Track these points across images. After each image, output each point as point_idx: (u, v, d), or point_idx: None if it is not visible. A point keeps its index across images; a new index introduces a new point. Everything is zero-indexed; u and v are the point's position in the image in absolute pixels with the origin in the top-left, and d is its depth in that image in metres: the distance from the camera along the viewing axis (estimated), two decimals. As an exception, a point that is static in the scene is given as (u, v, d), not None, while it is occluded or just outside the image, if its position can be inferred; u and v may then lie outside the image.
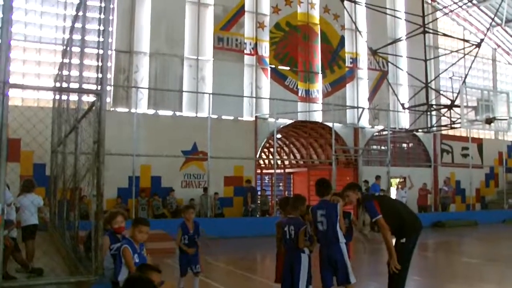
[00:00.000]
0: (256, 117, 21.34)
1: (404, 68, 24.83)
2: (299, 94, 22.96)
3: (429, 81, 21.98)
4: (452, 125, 22.31)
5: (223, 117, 20.56)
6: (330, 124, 21.06)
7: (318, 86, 23.53)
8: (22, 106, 16.28)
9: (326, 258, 6.06)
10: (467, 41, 23.89)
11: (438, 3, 27.78)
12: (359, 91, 24.83)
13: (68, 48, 11.35)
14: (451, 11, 26.99)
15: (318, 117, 23.33)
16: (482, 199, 28.12)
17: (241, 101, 21.24)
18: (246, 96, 21.47)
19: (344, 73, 24.48)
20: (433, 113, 24.04)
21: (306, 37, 23.48)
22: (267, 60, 22.37)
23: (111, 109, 18.68)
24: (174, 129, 19.14)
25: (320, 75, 23.62)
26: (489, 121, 19.71)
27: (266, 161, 24.69)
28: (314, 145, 24.44)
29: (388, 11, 23.99)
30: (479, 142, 28.31)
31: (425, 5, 23.15)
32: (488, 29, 25.27)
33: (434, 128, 24.87)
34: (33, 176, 14.95)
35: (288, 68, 22.87)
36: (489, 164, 28.33)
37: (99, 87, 6.41)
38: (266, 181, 25.83)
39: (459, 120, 20.74)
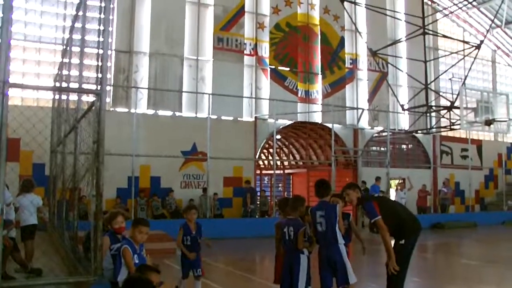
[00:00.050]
0: (255, 117, 21.33)
1: (404, 69, 24.86)
2: (299, 95, 22.97)
3: (428, 82, 22.00)
4: (452, 127, 22.33)
5: (223, 117, 20.55)
6: (329, 125, 21.06)
7: (317, 87, 23.53)
8: (21, 106, 16.28)
9: (325, 259, 6.05)
10: (467, 42, 23.92)
11: (438, 5, 27.80)
12: (358, 92, 24.83)
13: (68, 48, 11.33)
14: (451, 12, 27.02)
15: (317, 118, 23.34)
16: (482, 201, 28.13)
17: (241, 102, 21.25)
18: (245, 96, 21.47)
19: (344, 74, 24.49)
20: (433, 114, 24.07)
21: (306, 38, 23.49)
22: (267, 60, 22.38)
23: (111, 109, 18.67)
24: (173, 129, 19.13)
25: (320, 76, 23.62)
26: (488, 122, 19.73)
27: (266, 162, 24.68)
28: (313, 146, 24.44)
29: (388, 12, 24.01)
30: (478, 144, 28.31)
31: (425, 6, 23.20)
32: (488, 31, 25.28)
33: (434, 130, 24.89)
34: (33, 176, 14.94)
35: (288, 68, 22.87)
36: (488, 166, 28.34)
37: (98, 87, 6.40)
38: (266, 182, 25.81)
39: (458, 122, 20.76)
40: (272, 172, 20.02)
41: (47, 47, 18.67)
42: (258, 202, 20.90)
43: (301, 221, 6.31)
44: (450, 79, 23.54)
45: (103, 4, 6.62)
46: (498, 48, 31.32)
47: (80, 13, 8.89)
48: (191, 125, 19.46)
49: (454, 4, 26.01)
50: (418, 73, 22.41)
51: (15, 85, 6.30)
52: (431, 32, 23.33)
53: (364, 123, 24.25)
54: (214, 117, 19.25)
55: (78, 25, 9.44)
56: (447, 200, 23.55)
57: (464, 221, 21.97)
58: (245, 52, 21.99)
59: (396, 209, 6.37)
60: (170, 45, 20.42)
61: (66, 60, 11.68)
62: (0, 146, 5.42)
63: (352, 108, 23.97)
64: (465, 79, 22.35)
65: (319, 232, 6.14)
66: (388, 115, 23.07)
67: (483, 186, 28.32)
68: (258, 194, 21.48)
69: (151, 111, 19.67)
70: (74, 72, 9.51)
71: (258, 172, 22.85)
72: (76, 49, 9.75)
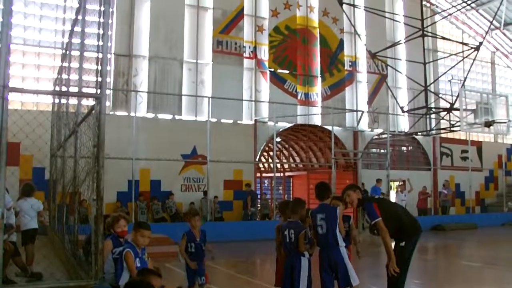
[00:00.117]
0: (255, 120, 21.35)
1: (403, 71, 24.88)
2: (298, 98, 22.98)
3: (428, 84, 21.99)
4: (452, 128, 22.32)
5: (223, 120, 20.58)
6: (329, 128, 21.06)
7: (317, 90, 23.55)
8: (21, 110, 16.26)
9: (326, 262, 6.05)
10: (466, 44, 23.93)
11: (437, 7, 27.84)
12: (358, 95, 24.85)
13: (68, 52, 11.34)
14: (450, 14, 27.06)
15: (317, 120, 23.35)
16: (482, 202, 28.13)
17: (241, 105, 21.26)
18: (245, 99, 21.50)
19: (343, 76, 24.51)
20: (433, 116, 24.08)
21: (305, 41, 23.51)
22: (266, 63, 22.40)
23: (111, 112, 18.67)
24: (173, 132, 19.13)
25: (319, 79, 23.65)
26: (488, 124, 19.72)
27: (266, 165, 24.69)
28: (313, 148, 24.45)
29: (387, 15, 24.02)
30: (478, 145, 28.32)
31: (424, 8, 23.20)
32: (487, 32, 25.32)
33: (434, 131, 24.89)
34: (33, 180, 14.95)
35: (287, 71, 22.89)
36: (488, 167, 28.34)
37: (98, 91, 6.39)
38: (266, 185, 25.82)
39: (458, 123, 20.75)
40: (272, 175, 20.02)
41: (46, 51, 18.70)
42: (259, 205, 20.90)
43: (301, 224, 6.31)
44: (449, 80, 23.53)
45: (102, 8, 6.63)
46: (497, 49, 31.36)
47: (80, 17, 8.90)
48: (191, 128, 19.46)
49: (453, 6, 26.03)
50: (417, 75, 22.41)
51: (15, 89, 6.30)
52: (430, 34, 23.34)
53: (364, 125, 24.28)
54: (214, 120, 19.27)
55: (77, 29, 9.44)
56: (447, 202, 23.54)
57: (465, 223, 21.96)
58: (244, 55, 22.02)
59: (397, 211, 6.37)
60: (170, 49, 20.44)
61: (65, 64, 11.67)
62: (0, 150, 5.42)
63: (352, 111, 23.98)
64: (464, 80, 22.35)
65: (319, 235, 6.14)
66: (387, 117, 23.08)
67: (483, 188, 28.32)
68: (259, 197, 21.48)
69: (151, 115, 19.69)
70: (74, 76, 9.51)
71: (258, 175, 22.86)
72: (75, 53, 9.76)
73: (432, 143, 26.39)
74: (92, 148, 6.33)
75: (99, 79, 6.48)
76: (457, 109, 20.34)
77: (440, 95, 24.05)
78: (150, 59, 20.08)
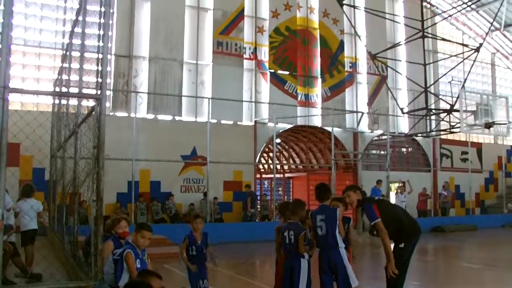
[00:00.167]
0: (255, 121, 21.35)
1: (403, 73, 24.88)
2: (298, 99, 22.98)
3: (428, 85, 21.99)
4: (452, 130, 22.31)
5: (223, 121, 20.58)
6: (329, 129, 21.06)
7: (317, 91, 23.55)
8: (21, 111, 16.24)
9: (326, 263, 6.05)
10: (466, 45, 23.93)
11: (437, 8, 27.85)
12: (358, 96, 24.86)
13: (68, 53, 11.36)
14: (450, 15, 27.07)
15: (317, 121, 23.35)
16: (482, 204, 28.12)
17: (241, 106, 21.26)
18: (245, 100, 21.50)
19: (344, 77, 24.51)
20: (433, 117, 24.07)
21: (305, 42, 23.52)
22: (267, 64, 22.40)
23: (111, 113, 18.66)
24: (173, 133, 19.13)
25: (319, 80, 23.64)
26: (488, 125, 19.71)
27: (266, 166, 24.69)
28: (313, 149, 24.45)
29: (387, 16, 24.03)
30: (478, 147, 28.33)
31: (424, 9, 23.18)
32: (487, 34, 25.34)
33: (434, 133, 24.88)
34: (33, 180, 14.95)
35: (287, 72, 22.89)
36: (488, 169, 28.34)
37: (98, 92, 6.40)
38: (266, 186, 25.82)
39: (458, 125, 20.73)
40: (272, 176, 20.01)
41: (47, 52, 18.70)
42: (259, 206, 20.89)
43: (301, 225, 6.31)
44: (449, 82, 23.54)
45: (102, 9, 6.64)
46: (497, 51, 31.37)
47: (80, 18, 8.92)
48: (191, 129, 19.47)
49: (453, 7, 26.04)
50: (417, 76, 22.40)
51: (15, 90, 6.31)
52: (430, 35, 23.34)
53: (364, 126, 24.28)
54: (214, 121, 19.27)
55: (78, 30, 9.46)
56: (447, 203, 23.52)
57: (465, 224, 21.96)
58: (244, 56, 22.02)
59: (396, 212, 6.36)
60: (170, 50, 20.44)
61: (66, 65, 11.70)
62: (1, 151, 5.43)
63: (352, 112, 23.98)
64: (464, 82, 22.35)
65: (319, 236, 6.14)
66: (387, 118, 23.09)
67: (483, 189, 28.31)
68: (259, 198, 21.48)
69: (151, 116, 19.69)
70: (74, 77, 9.52)
71: (258, 176, 22.85)
72: (76, 54, 9.77)
73: (432, 145, 26.39)
74: (92, 149, 6.34)
75: (99, 80, 6.49)
76: (457, 111, 20.34)
77: (440, 97, 24.04)
78: (150, 60, 20.08)
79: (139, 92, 19.36)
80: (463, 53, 23.15)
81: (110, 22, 15.25)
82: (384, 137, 23.52)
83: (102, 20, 6.67)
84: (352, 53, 24.95)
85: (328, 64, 24.04)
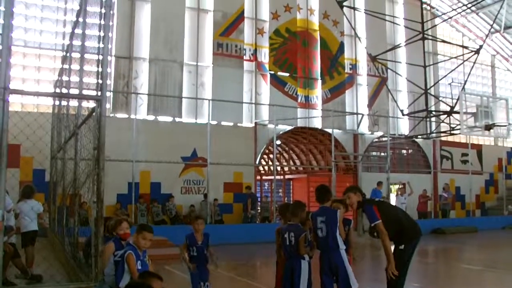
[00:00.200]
0: (255, 123, 21.35)
1: (404, 74, 24.88)
2: (299, 100, 22.98)
3: (428, 87, 22.00)
4: (452, 131, 22.31)
5: (223, 123, 20.58)
6: (329, 130, 21.07)
7: (317, 92, 23.55)
8: (22, 112, 16.27)
9: (326, 264, 6.04)
10: (466, 47, 23.94)
11: (437, 10, 27.87)
12: (358, 97, 24.86)
13: (68, 54, 11.36)
14: (450, 17, 27.08)
15: (317, 123, 23.34)
16: (482, 206, 28.11)
17: (241, 107, 21.25)
18: (245, 102, 21.49)
19: (344, 79, 24.52)
20: (433, 119, 24.06)
21: (305, 43, 23.53)
22: (267, 66, 22.40)
23: (111, 115, 18.66)
24: (173, 135, 19.13)
25: (319, 81, 23.65)
26: (488, 127, 19.71)
27: (266, 168, 24.68)
28: (313, 151, 24.45)
29: (387, 18, 24.05)
30: (478, 149, 28.34)
31: (424, 11, 23.22)
32: (487, 36, 25.36)
33: (434, 134, 24.88)
34: (33, 181, 14.93)
35: (287, 74, 22.90)
36: (488, 171, 28.34)
37: (99, 93, 6.40)
38: (266, 188, 25.81)
39: (458, 127, 20.74)
40: (272, 177, 20.00)
41: (47, 53, 18.72)
42: (259, 208, 20.88)
43: (301, 227, 6.30)
44: (449, 83, 23.54)
45: (103, 11, 6.64)
46: (497, 53, 31.40)
47: (80, 19, 8.92)
48: (191, 130, 19.46)
49: (453, 9, 26.06)
50: (417, 78, 22.42)
51: (15, 91, 6.31)
52: (430, 37, 23.35)
53: (364, 128, 24.27)
54: (214, 122, 19.26)
55: (78, 31, 9.46)
56: (447, 205, 23.51)
57: (465, 226, 21.92)
58: (244, 57, 22.02)
59: (397, 214, 6.36)
60: (170, 51, 20.45)
61: (66, 66, 11.70)
62: (1, 152, 5.43)
63: (352, 113, 23.99)
64: (464, 83, 22.36)
65: (320, 238, 6.13)
66: (388, 120, 23.08)
67: (483, 191, 28.31)
68: (259, 200, 21.47)
69: (151, 117, 19.69)
70: (74, 78, 9.52)
71: (258, 177, 22.84)
72: (76, 55, 9.78)
73: (432, 146, 26.39)
74: (92, 150, 6.34)
75: (100, 81, 6.49)
76: (457, 112, 20.34)
77: (440, 98, 24.05)
78: (150, 61, 20.08)
79: (139, 94, 19.37)
80: (463, 55, 23.14)
81: (111, 23, 15.29)
82: (384, 138, 23.54)
83: (103, 22, 6.67)
84: (352, 54, 24.96)
85: (328, 65, 24.05)
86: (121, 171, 16.84)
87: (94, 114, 6.45)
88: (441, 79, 24.94)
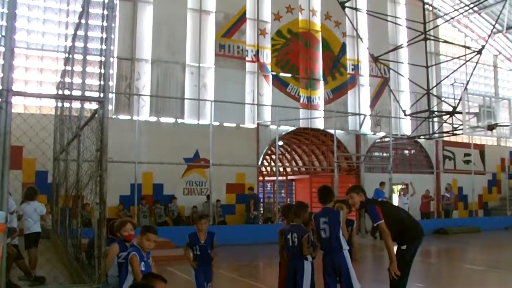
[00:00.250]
0: (258, 124, 21.34)
1: (406, 75, 24.86)
2: (301, 101, 22.98)
3: (430, 87, 21.98)
4: (454, 132, 22.29)
5: (225, 124, 20.57)
6: (332, 131, 21.05)
7: (319, 93, 23.55)
8: (24, 114, 16.27)
9: (330, 265, 6.05)
10: (468, 47, 23.91)
11: (439, 10, 27.85)
12: (360, 98, 24.84)
13: (71, 56, 11.38)
14: (452, 18, 27.05)
15: (320, 124, 23.34)
16: (485, 206, 28.06)
17: (243, 108, 21.27)
18: (247, 103, 21.50)
19: (346, 80, 24.51)
20: (435, 119, 24.05)
21: (307, 44, 23.53)
22: (269, 67, 22.41)
23: (113, 116, 18.67)
24: (176, 136, 19.13)
25: (321, 82, 23.65)
26: (491, 127, 19.68)
27: (268, 168, 24.68)
28: (316, 152, 24.44)
29: (389, 18, 24.03)
30: (481, 149, 28.28)
31: (426, 12, 23.21)
32: (489, 36, 25.26)
33: (436, 135, 24.86)
34: (35, 183, 14.94)
35: (289, 75, 22.91)
36: (491, 171, 28.29)
37: (101, 95, 6.41)
38: (268, 188, 25.81)
39: (461, 127, 20.72)
40: (274, 178, 19.99)
41: (49, 55, 18.74)
42: (262, 209, 20.87)
43: (304, 228, 6.30)
44: (452, 84, 23.53)
45: (105, 12, 6.65)
46: (500, 53, 31.35)
47: (83, 21, 8.94)
48: (193, 132, 19.46)
49: (455, 10, 26.03)
50: (419, 79, 22.40)
51: (18, 93, 6.32)
52: (432, 38, 23.33)
53: (366, 128, 24.26)
54: (216, 123, 19.24)
55: (80, 33, 9.48)
56: (450, 205, 23.48)
57: (468, 226, 21.89)
58: (246, 58, 22.03)
59: (399, 214, 6.36)
60: (172, 52, 20.47)
61: (68, 68, 11.72)
62: (4, 154, 5.43)
63: (354, 114, 23.97)
64: (467, 84, 22.31)
65: (323, 239, 6.14)
66: (390, 121, 23.06)
67: (486, 191, 28.26)
68: (262, 200, 21.46)
69: (153, 118, 19.70)
70: (77, 80, 9.54)
71: (260, 178, 22.84)
72: (78, 56, 9.80)
73: (434, 147, 26.36)
74: (95, 152, 6.34)
75: (102, 82, 6.49)
76: (460, 113, 20.32)
77: (443, 99, 24.05)
78: (152, 62, 20.11)
79: (142, 95, 19.39)
80: (465, 55, 23.12)
81: (113, 25, 15.29)
82: (386, 139, 23.52)
83: (105, 23, 6.68)
84: (354, 55, 24.96)
85: (330, 66, 24.05)
86: (124, 172, 16.84)
87: (96, 115, 6.46)
88: (443, 79, 24.93)
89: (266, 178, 24.64)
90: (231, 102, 19.94)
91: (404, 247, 6.02)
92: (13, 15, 5.85)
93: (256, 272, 12.35)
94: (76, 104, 9.81)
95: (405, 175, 23.77)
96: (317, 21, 24.05)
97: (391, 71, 24.38)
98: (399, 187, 22.55)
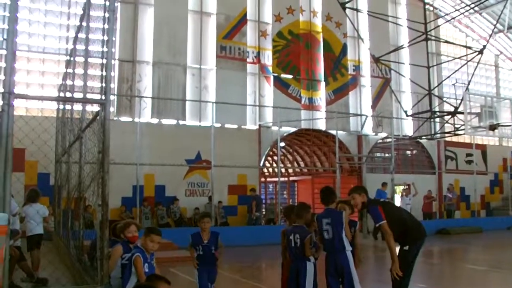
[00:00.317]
0: (259, 125, 21.36)
1: (407, 75, 24.85)
2: (302, 102, 22.99)
3: (432, 88, 21.97)
4: (456, 132, 22.27)
5: (227, 125, 20.58)
6: (333, 132, 21.05)
7: (321, 94, 23.55)
8: (26, 116, 16.24)
9: (332, 266, 6.05)
10: (469, 47, 23.89)
11: (440, 10, 27.84)
12: (362, 99, 24.84)
13: (72, 58, 11.40)
14: (453, 18, 27.04)
15: (321, 125, 23.34)
16: (487, 206, 28.03)
17: (244, 110, 21.28)
18: (249, 104, 21.51)
19: (347, 80, 24.51)
20: (437, 120, 24.04)
21: (308, 45, 23.54)
22: (270, 68, 22.42)
23: (115, 118, 18.72)
24: (177, 138, 19.15)
25: (323, 83, 23.65)
26: (492, 127, 19.65)
27: (270, 169, 24.69)
28: (317, 153, 24.44)
29: (390, 19, 24.04)
30: (483, 149, 28.26)
31: (427, 12, 23.21)
32: (490, 36, 25.24)
33: (438, 135, 24.85)
34: (38, 185, 14.97)
35: (291, 76, 22.91)
36: (493, 171, 28.26)
37: (103, 97, 6.42)
38: (270, 189, 25.81)
39: (462, 127, 20.69)
40: (276, 179, 20.00)
41: (51, 57, 18.79)
42: (263, 210, 20.87)
43: (306, 229, 6.31)
44: (453, 84, 23.49)
45: (106, 15, 6.67)
46: (501, 53, 31.33)
47: (84, 23, 8.95)
48: (195, 133, 19.48)
49: (456, 10, 26.03)
50: (421, 79, 22.39)
51: (20, 96, 6.33)
52: (433, 38, 23.33)
53: (368, 129, 24.25)
54: (218, 125, 19.25)
55: (82, 35, 9.49)
56: (452, 206, 23.46)
57: (470, 227, 21.85)
58: (248, 60, 22.05)
59: (401, 214, 6.36)
60: (173, 54, 20.49)
61: (70, 70, 11.74)
62: (6, 156, 5.44)
63: (356, 115, 23.96)
64: (468, 84, 22.30)
65: (326, 240, 6.15)
66: (392, 121, 23.06)
67: (488, 191, 28.22)
68: (264, 201, 21.46)
69: (155, 120, 19.73)
70: (78, 82, 9.56)
71: (262, 179, 22.84)
72: (80, 59, 9.81)
73: (436, 147, 26.34)
74: (97, 154, 6.35)
75: (104, 85, 6.51)
76: (462, 113, 20.30)
77: (444, 99, 24.03)
78: (153, 64, 20.13)
79: (143, 97, 19.40)
80: (466, 55, 23.10)
81: (114, 27, 15.31)
82: (388, 139, 23.51)
83: (106, 26, 6.70)
84: (355, 56, 24.96)
85: (331, 67, 24.05)
86: (126, 174, 16.86)
87: (98, 117, 6.47)
88: (444, 79, 24.90)
89: (268, 179, 24.64)
90: (233, 104, 19.94)
91: (406, 247, 6.01)
92: (14, 18, 5.86)
93: (259, 273, 12.35)
94: (77, 106, 9.83)
95: (407, 176, 23.78)
96: (318, 22, 24.06)
97: (392, 71, 24.39)
98: (401, 187, 22.56)
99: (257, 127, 21.32)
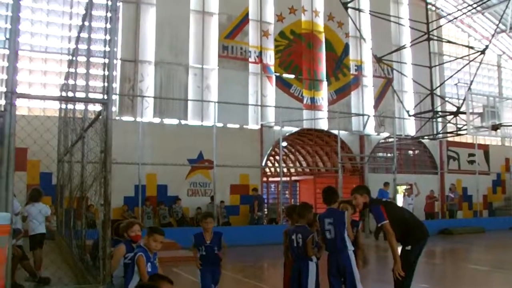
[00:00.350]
0: (261, 125, 21.35)
1: (409, 75, 24.84)
2: (304, 102, 22.97)
3: (434, 88, 21.98)
4: (458, 132, 22.27)
5: (229, 125, 20.58)
6: (335, 132, 21.02)
7: (323, 94, 23.53)
8: (29, 116, 16.29)
9: (334, 266, 6.05)
10: (471, 47, 23.89)
11: (442, 10, 27.81)
12: (364, 99, 24.81)
13: (74, 58, 11.42)
14: (456, 18, 27.01)
15: (323, 124, 23.32)
16: (490, 206, 27.98)
17: (246, 109, 21.27)
18: (251, 104, 21.49)
19: (349, 80, 24.48)
20: (439, 119, 24.02)
21: (310, 45, 23.52)
22: (272, 68, 22.41)
23: (117, 118, 18.70)
24: (179, 137, 19.15)
25: (325, 83, 23.63)
26: (495, 127, 19.65)
27: (272, 169, 24.68)
28: (319, 152, 24.43)
29: (392, 19, 24.03)
30: (485, 149, 28.21)
31: (429, 12, 23.21)
32: (493, 36, 25.29)
33: (440, 135, 24.84)
34: (40, 185, 14.99)
35: (293, 76, 22.90)
36: (496, 171, 28.21)
37: (105, 96, 6.43)
38: (272, 189, 25.82)
39: (465, 127, 20.70)
40: (278, 179, 20.00)
41: (53, 57, 18.79)
42: (266, 210, 20.86)
43: (309, 228, 6.30)
44: (455, 84, 23.49)
45: (108, 14, 6.67)
46: (504, 52, 31.27)
47: (86, 23, 8.97)
48: (197, 133, 19.48)
49: (459, 10, 26.00)
50: (423, 79, 22.38)
51: (22, 96, 6.34)
52: (435, 38, 23.31)
53: (370, 129, 24.22)
54: (220, 125, 19.25)
55: (84, 35, 9.51)
56: (454, 206, 23.44)
57: (472, 227, 21.82)
58: (250, 60, 22.03)
59: (403, 214, 6.35)
60: (175, 54, 20.49)
61: (72, 69, 11.75)
62: (9, 156, 5.45)
63: (358, 115, 23.94)
64: (470, 84, 22.31)
65: (328, 240, 6.14)
66: (394, 121, 23.04)
67: (490, 191, 28.18)
68: (266, 201, 21.46)
69: (157, 120, 19.74)
70: (81, 82, 9.57)
71: (264, 179, 22.83)
72: (82, 59, 9.82)
73: (438, 147, 26.31)
74: (99, 154, 6.36)
75: (106, 84, 6.51)
76: (464, 113, 20.30)
77: (447, 99, 24.01)
78: (155, 64, 20.14)
79: (145, 96, 19.40)
80: (469, 55, 23.09)
81: (116, 27, 15.27)
82: (390, 139, 23.49)
83: (108, 25, 6.70)
84: (357, 56, 24.94)
85: (333, 67, 24.03)
86: (128, 173, 16.87)
87: (100, 117, 6.48)
88: (447, 79, 24.89)
89: (270, 179, 24.63)
90: (235, 103, 19.93)
91: (408, 247, 6.00)
92: (17, 18, 5.88)
93: (261, 273, 12.35)
94: (80, 106, 9.84)
95: (409, 176, 23.78)
96: (320, 22, 24.04)
97: (394, 71, 24.35)
98: (403, 187, 22.55)
99: (259, 127, 21.32)
